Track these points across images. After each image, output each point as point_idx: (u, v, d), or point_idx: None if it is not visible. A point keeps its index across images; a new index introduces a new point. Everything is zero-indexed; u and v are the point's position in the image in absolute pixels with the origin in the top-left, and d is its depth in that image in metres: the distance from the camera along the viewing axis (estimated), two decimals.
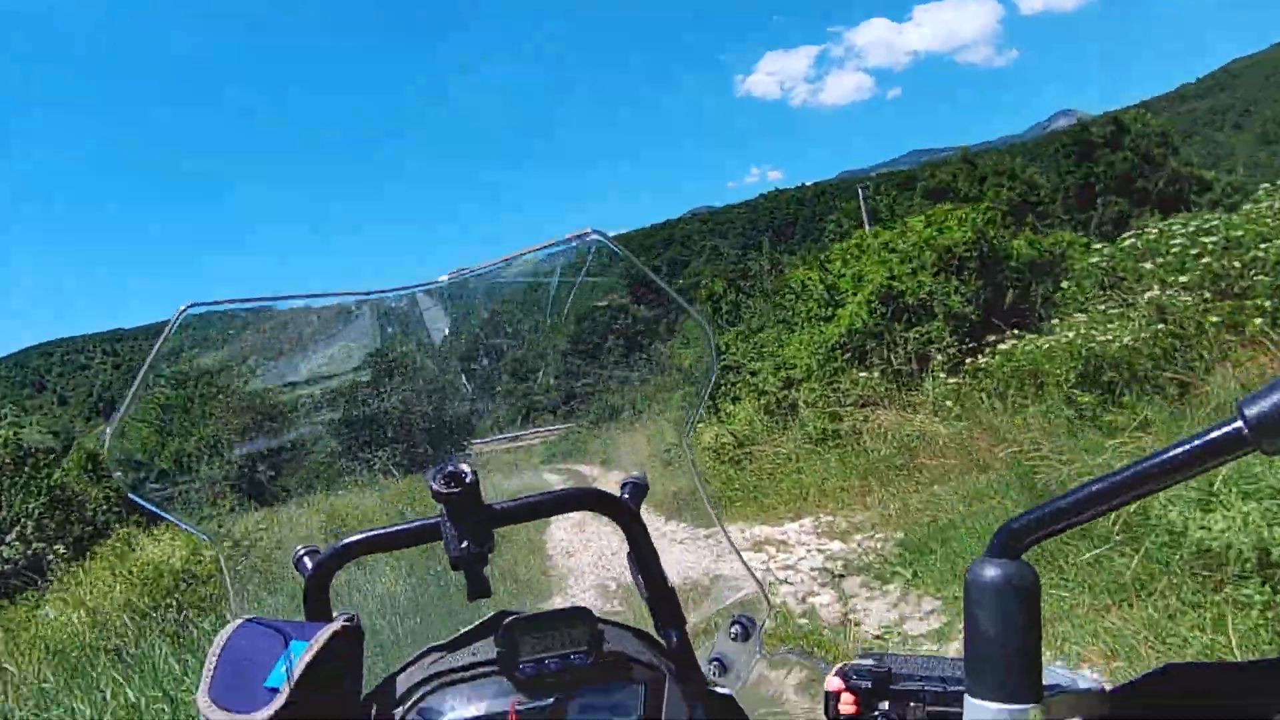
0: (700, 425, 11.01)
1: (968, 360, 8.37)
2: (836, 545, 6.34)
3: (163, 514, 0.95)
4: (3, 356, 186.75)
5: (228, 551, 0.91)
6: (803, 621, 4.74)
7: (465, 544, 0.73)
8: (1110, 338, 6.60)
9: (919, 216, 10.96)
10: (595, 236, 0.91)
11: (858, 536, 6.34)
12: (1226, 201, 28.11)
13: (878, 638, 4.33)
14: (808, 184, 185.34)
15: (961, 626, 0.60)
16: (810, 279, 11.85)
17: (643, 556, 0.82)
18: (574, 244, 1.00)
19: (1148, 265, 7.22)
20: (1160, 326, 6.38)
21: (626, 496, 0.85)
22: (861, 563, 5.63)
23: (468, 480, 0.72)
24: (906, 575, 5.04)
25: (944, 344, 8.89)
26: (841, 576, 5.46)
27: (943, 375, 8.54)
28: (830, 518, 7.21)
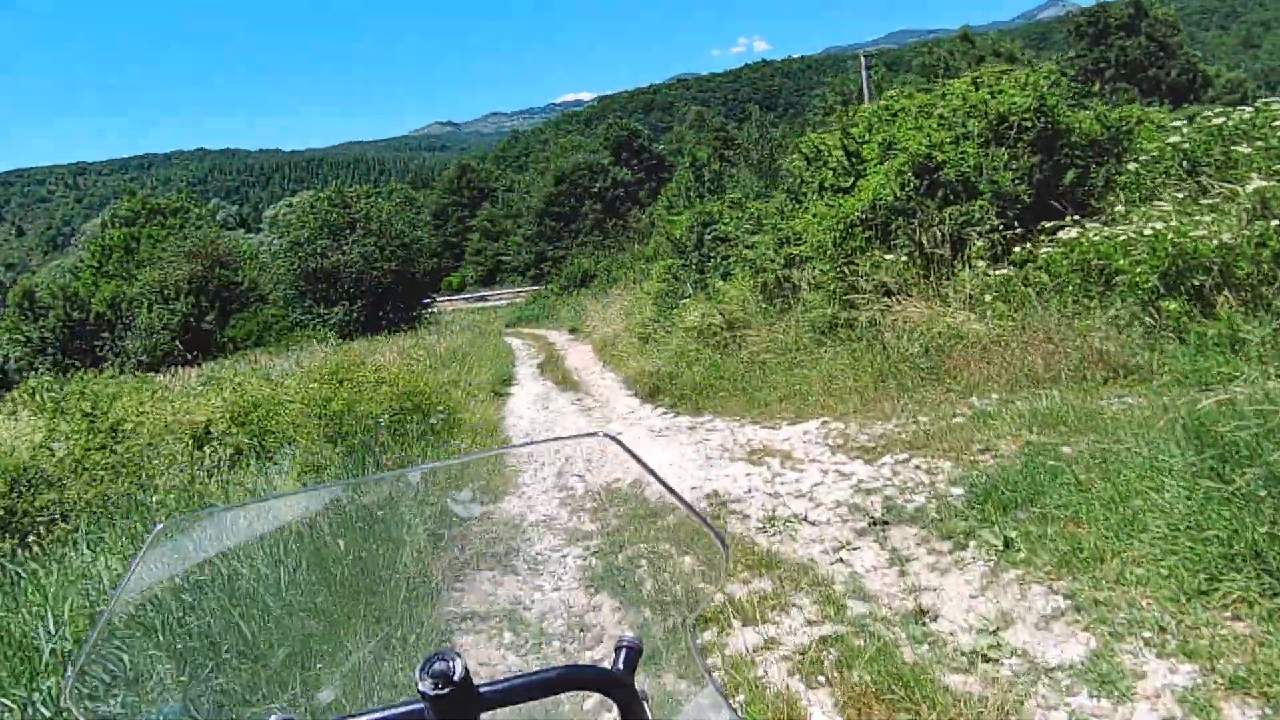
0: (685, 301, 11.91)
1: (1015, 249, 7.14)
2: (861, 468, 4.90)
3: None
4: None
5: None
6: (854, 606, 3.21)
7: None
8: (1206, 234, 5.51)
9: (963, 79, 9.21)
10: (607, 437, 0.94)
11: (886, 459, 4.90)
12: (1227, 98, 29.00)
13: (973, 659, 2.73)
14: (794, 56, 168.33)
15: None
16: (827, 144, 10.20)
17: None
18: (586, 442, 1.04)
19: (1243, 149, 6.16)
20: (1269, 224, 5.27)
21: (621, 666, 0.80)
22: (910, 505, 4.11)
23: (456, 678, 0.69)
24: (994, 542, 3.42)
25: (987, 227, 7.36)
26: (885, 524, 3.94)
27: (982, 264, 7.12)
28: (841, 425, 5.93)
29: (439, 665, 0.72)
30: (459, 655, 0.72)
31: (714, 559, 0.93)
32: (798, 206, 10.40)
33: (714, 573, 0.96)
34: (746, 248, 10.75)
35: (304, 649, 2.31)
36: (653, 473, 0.94)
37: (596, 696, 0.81)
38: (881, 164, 8.51)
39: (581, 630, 3.29)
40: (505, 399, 11.63)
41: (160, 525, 0.91)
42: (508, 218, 56.40)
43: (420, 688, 0.71)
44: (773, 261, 9.77)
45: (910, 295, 7.39)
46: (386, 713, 0.75)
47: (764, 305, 9.63)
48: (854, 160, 9.37)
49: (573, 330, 22.58)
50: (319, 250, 27.27)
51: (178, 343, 26.33)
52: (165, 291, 27.21)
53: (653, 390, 10.19)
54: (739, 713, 1.18)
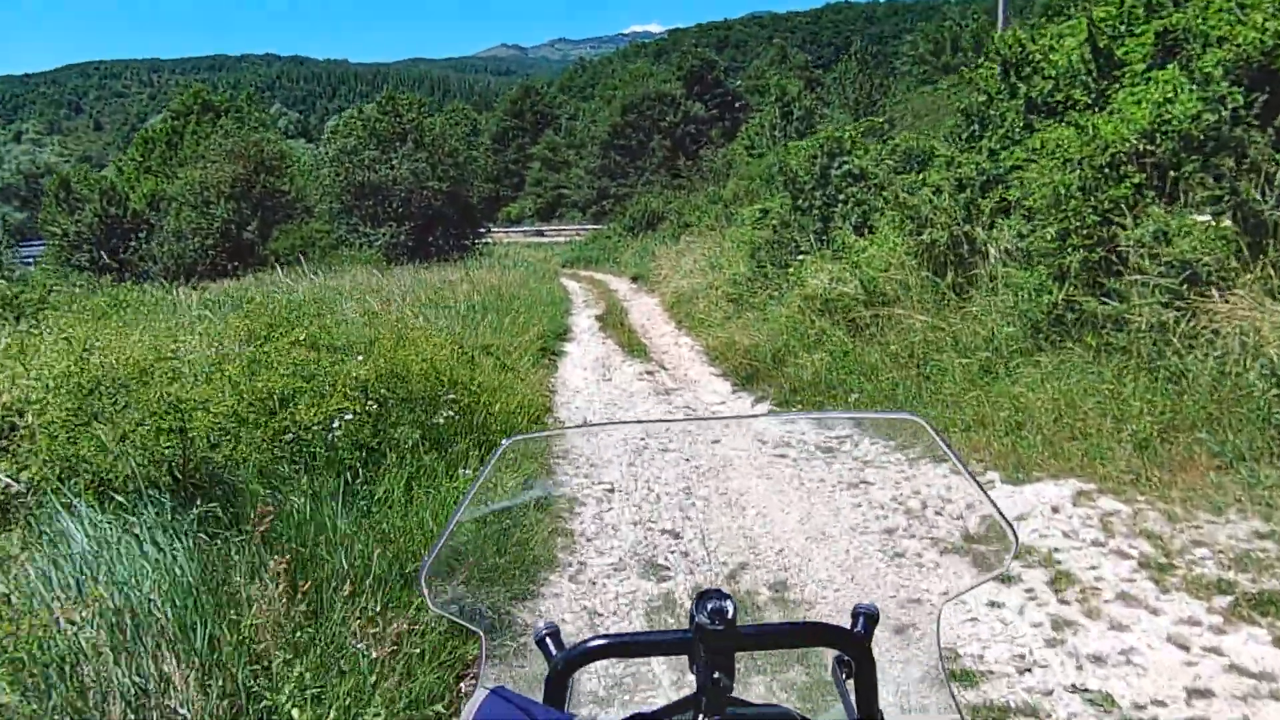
0: (804, 258, 9.11)
1: None
2: (1231, 639, 2.65)
3: (464, 623, 1.12)
4: (41, 73, 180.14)
5: (489, 636, 1.02)
6: None
7: (717, 675, 0.76)
8: None
9: None
10: (919, 421, 0.97)
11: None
12: None
13: None
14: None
15: None
16: (1045, 44, 7.20)
17: (862, 693, 0.84)
18: (893, 419, 1.55)
19: None
20: None
21: (860, 629, 0.86)
22: None
23: (729, 616, 0.75)
24: None
25: None
26: None
27: None
28: (1121, 505, 3.63)
29: (715, 603, 0.77)
30: (731, 597, 0.78)
31: (1003, 546, 0.93)
32: (982, 138, 7.64)
33: (1000, 559, 1.14)
34: (906, 192, 7.90)
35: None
36: (956, 456, 0.97)
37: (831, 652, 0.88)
38: (1162, 68, 5.66)
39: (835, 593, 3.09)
40: (557, 361, 9.59)
41: (507, 441, 1.00)
42: (570, 148, 53.54)
43: (697, 619, 0.77)
44: (946, 213, 7.01)
45: (1232, 286, 4.56)
46: (661, 637, 0.85)
47: (927, 276, 7.00)
48: (1105, 65, 6.37)
49: (636, 278, 20.36)
50: (366, 162, 25.18)
51: (213, 251, 24.70)
52: (205, 194, 25.50)
53: (749, 375, 7.92)
54: (956, 698, 0.96)
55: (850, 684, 0.86)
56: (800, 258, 9.29)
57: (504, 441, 1.01)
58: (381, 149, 25.90)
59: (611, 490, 4.04)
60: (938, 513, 3.24)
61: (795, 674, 1.69)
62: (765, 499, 3.96)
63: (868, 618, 0.88)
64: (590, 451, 4.09)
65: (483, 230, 29.21)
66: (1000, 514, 0.93)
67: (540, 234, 44.03)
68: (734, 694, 0.80)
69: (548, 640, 0.92)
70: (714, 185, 24.03)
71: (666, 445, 4.49)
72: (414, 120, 26.43)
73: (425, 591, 0.98)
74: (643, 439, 4.37)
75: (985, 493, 0.94)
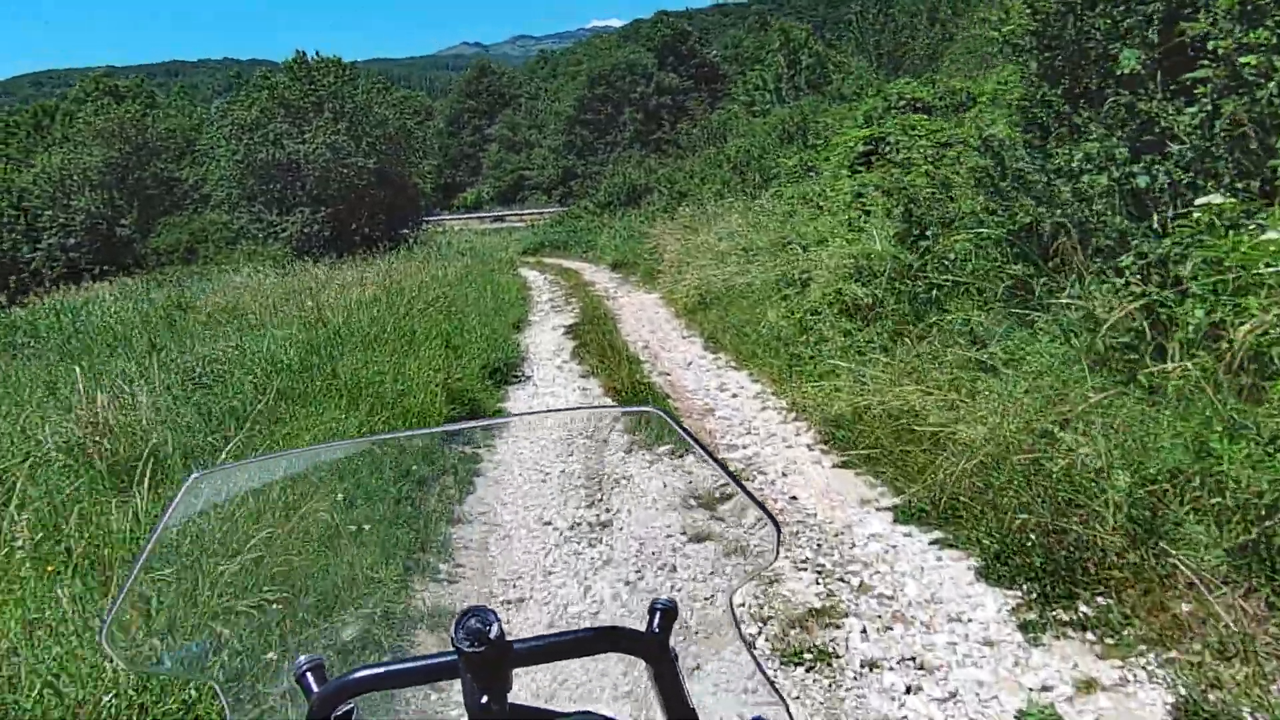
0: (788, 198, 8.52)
1: None
2: None
3: (189, 676, 0.94)
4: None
5: (226, 686, 0.89)
6: None
7: (486, 700, 0.69)
8: None
9: None
10: (657, 413, 0.94)
11: None
12: None
13: None
14: None
15: None
16: None
17: (668, 694, 0.77)
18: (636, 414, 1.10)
19: None
20: None
21: (656, 628, 0.78)
22: None
23: (493, 636, 0.68)
24: None
25: None
26: None
27: None
28: None
29: (474, 622, 0.71)
30: (494, 612, 0.71)
31: (765, 537, 0.92)
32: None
33: (765, 550, 0.95)
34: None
35: (334, 595, 2.44)
36: (704, 448, 0.94)
37: (628, 657, 0.79)
38: None
39: (615, 597, 2.96)
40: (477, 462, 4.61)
41: (196, 474, 0.90)
42: (532, 127, 48.26)
43: (456, 643, 0.70)
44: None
45: None
46: (420, 663, 0.76)
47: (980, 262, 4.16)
48: None
49: (618, 265, 15.58)
50: (272, 137, 19.88)
51: (74, 253, 19.28)
52: (67, 184, 20.00)
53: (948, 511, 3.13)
54: (773, 682, 1.06)
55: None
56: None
57: (191, 475, 0.89)
58: (293, 121, 20.63)
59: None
60: (701, 503, 3.15)
61: (617, 674, 1.52)
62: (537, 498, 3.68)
63: (664, 613, 0.81)
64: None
65: (421, 217, 23.96)
66: (756, 502, 0.88)
67: (500, 220, 38.90)
68: (540, 705, 0.75)
69: (308, 676, 0.81)
70: (712, 149, 19.07)
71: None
72: (332, 86, 21.15)
73: (110, 650, 0.87)
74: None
75: (739, 482, 0.90)
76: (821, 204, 6.82)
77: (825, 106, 16.75)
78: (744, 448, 4.35)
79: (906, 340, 4.12)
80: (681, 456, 3.13)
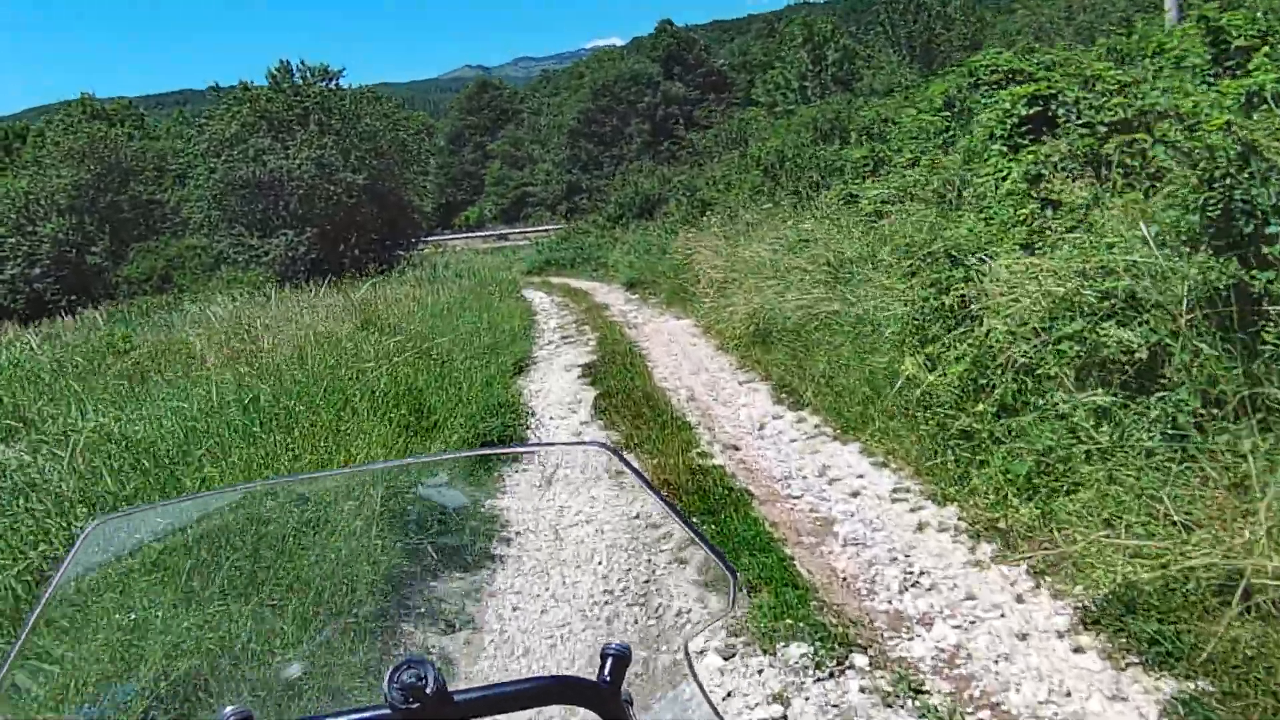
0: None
1: None
2: None
3: None
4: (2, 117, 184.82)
5: None
6: None
7: None
8: None
9: None
10: (600, 449, 0.89)
11: None
12: None
13: None
14: None
15: None
16: None
17: None
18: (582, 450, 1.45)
19: None
20: None
21: (608, 676, 0.73)
22: None
23: (429, 690, 0.63)
24: None
25: None
26: None
27: None
28: None
29: (409, 675, 0.65)
30: (432, 663, 0.66)
31: (722, 584, 0.87)
32: None
33: (722, 597, 0.96)
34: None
35: (258, 644, 2.26)
36: (656, 492, 0.91)
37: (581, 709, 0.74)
38: None
39: (564, 640, 2.72)
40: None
41: (94, 523, 0.84)
42: (534, 142, 46.63)
43: (389, 698, 0.64)
44: None
45: None
46: (351, 718, 0.68)
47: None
48: None
49: (634, 285, 13.80)
50: (252, 152, 18.16)
51: (40, 284, 17.60)
52: (32, 209, 18.33)
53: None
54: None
55: None
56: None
57: (89, 525, 0.84)
58: (275, 135, 18.93)
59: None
60: (654, 547, 2.86)
61: None
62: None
63: (617, 659, 0.76)
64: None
65: (418, 237, 22.17)
66: (713, 550, 0.84)
67: (503, 238, 37.19)
68: None
69: None
70: (735, 152, 17.25)
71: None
72: (318, 97, 19.46)
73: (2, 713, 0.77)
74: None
75: (694, 528, 0.86)
76: (957, 197, 4.84)
77: (862, 101, 15.02)
78: (944, 649, 2.36)
79: (1234, 431, 2.18)
80: (632, 497, 2.84)
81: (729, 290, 7.15)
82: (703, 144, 20.38)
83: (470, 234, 41.03)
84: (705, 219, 13.19)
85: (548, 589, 3.06)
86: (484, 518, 3.55)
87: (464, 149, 51.47)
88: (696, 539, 0.85)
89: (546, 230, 34.14)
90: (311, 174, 18.32)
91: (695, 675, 0.90)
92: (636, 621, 2.53)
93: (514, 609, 2.89)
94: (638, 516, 3.22)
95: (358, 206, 18.99)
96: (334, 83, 19.74)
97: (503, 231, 39.15)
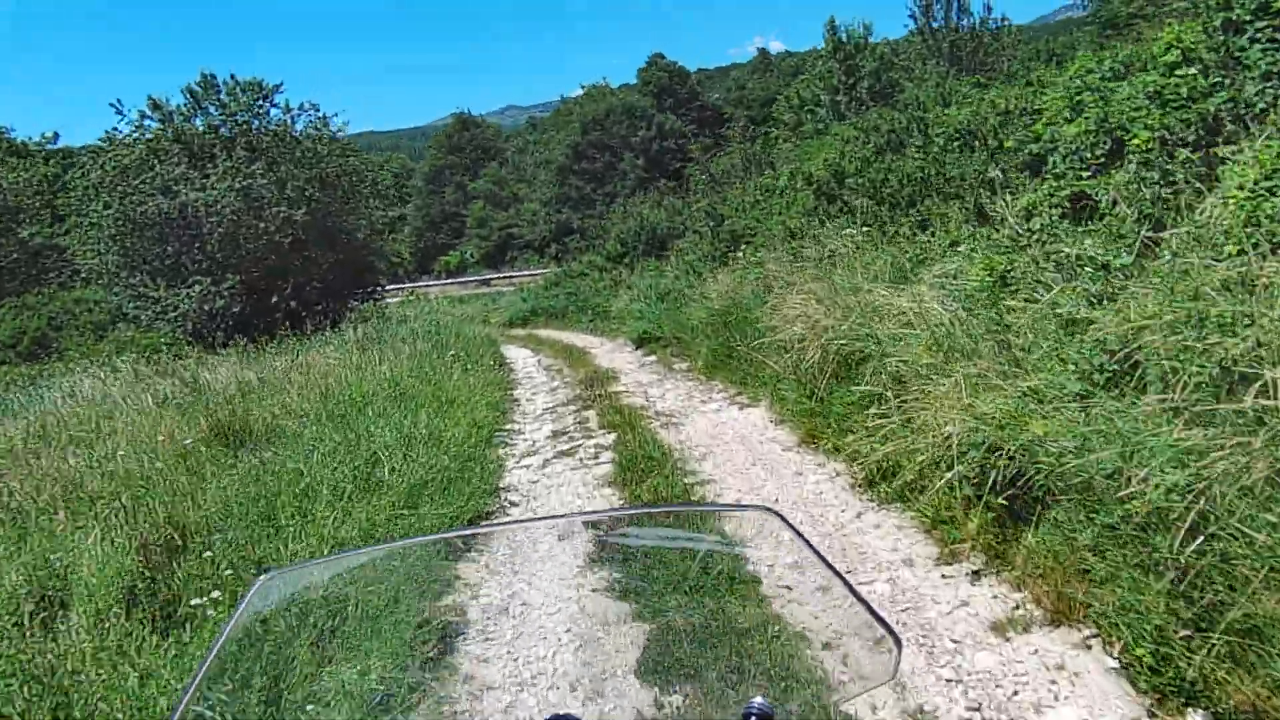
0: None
1: None
2: None
3: None
4: None
5: None
6: None
7: None
8: None
9: None
10: (765, 512, 0.88)
11: None
12: None
13: None
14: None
15: None
16: None
17: None
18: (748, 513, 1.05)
19: None
20: None
21: None
22: None
23: None
24: None
25: None
26: None
27: None
28: None
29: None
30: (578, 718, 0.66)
31: (882, 652, 0.87)
32: None
33: (881, 665, 0.89)
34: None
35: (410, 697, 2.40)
36: (819, 554, 0.90)
37: None
38: None
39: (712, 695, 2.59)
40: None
41: (262, 577, 0.88)
42: (520, 181, 43.46)
43: None
44: None
45: None
46: None
47: None
48: None
49: (646, 342, 10.35)
50: (161, 182, 14.55)
51: None
52: None
53: None
54: None
55: None
56: None
57: (259, 579, 0.87)
58: (193, 162, 15.32)
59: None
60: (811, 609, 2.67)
61: None
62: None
63: (759, 718, 0.78)
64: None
65: (376, 284, 18.52)
66: (878, 618, 0.84)
67: (486, 283, 33.61)
68: None
69: None
70: (762, 176, 13.75)
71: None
72: (244, 116, 15.95)
73: None
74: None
75: (854, 590, 0.86)
76: None
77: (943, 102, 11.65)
78: None
79: None
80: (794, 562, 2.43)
81: (880, 366, 3.48)
82: (717, 168, 16.86)
83: (449, 280, 37.49)
84: (739, 255, 9.58)
85: (689, 643, 2.82)
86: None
87: (445, 189, 48.20)
88: (859, 602, 0.85)
89: (533, 275, 30.59)
90: (235, 208, 14.61)
91: None
92: (782, 680, 2.36)
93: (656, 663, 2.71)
94: (797, 581, 2.89)
95: (297, 248, 15.27)
96: (268, 101, 16.19)
97: (486, 276, 35.64)
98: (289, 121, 16.02)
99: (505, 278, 34.03)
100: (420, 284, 38.26)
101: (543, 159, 40.12)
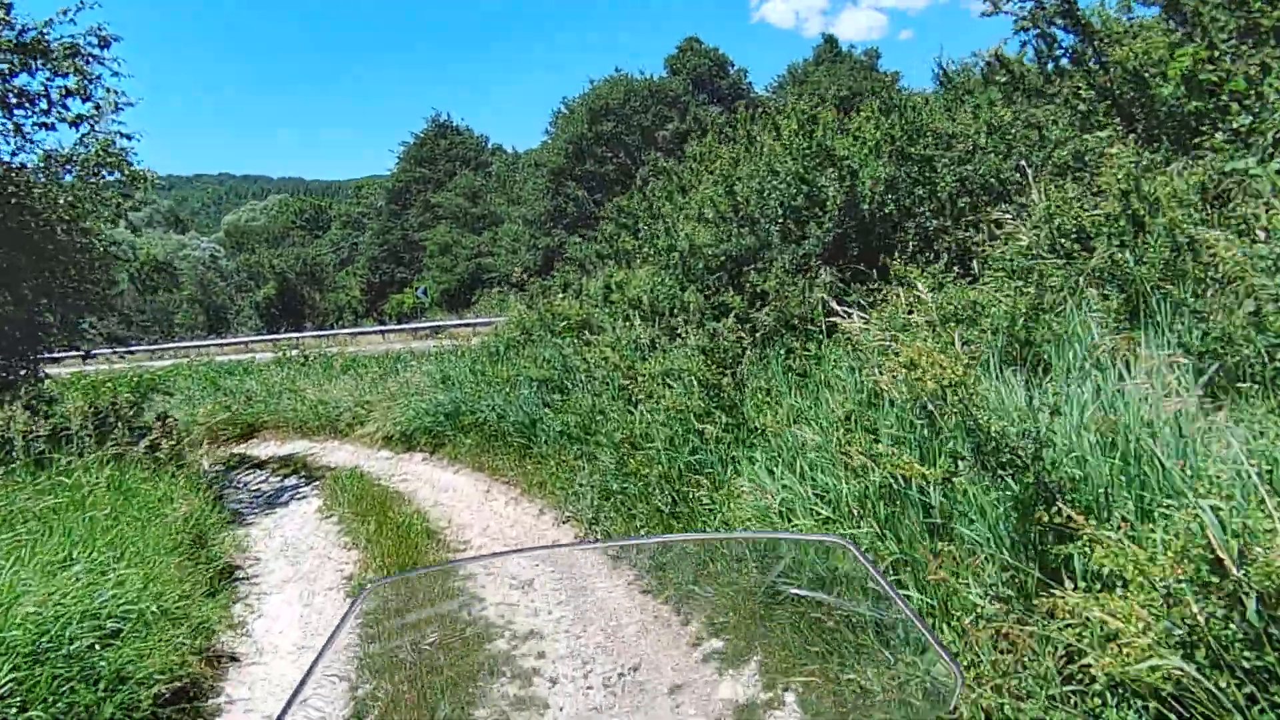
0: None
1: None
2: None
3: None
4: None
5: None
6: None
7: None
8: None
9: None
10: (845, 544, 0.90)
11: None
12: None
13: None
14: None
15: None
16: None
17: None
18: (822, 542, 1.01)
19: None
20: None
21: None
22: None
23: None
24: None
25: None
26: None
27: None
28: None
29: None
30: None
31: (944, 682, 0.88)
32: None
33: (943, 696, 0.89)
34: None
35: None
36: (888, 584, 0.91)
37: None
38: None
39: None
40: None
41: (367, 588, 0.94)
42: (502, 194, 32.51)
43: None
44: None
45: None
46: None
47: None
48: None
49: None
50: None
51: None
52: None
53: None
54: None
55: None
56: None
57: (365, 588, 0.90)
58: None
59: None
60: (877, 640, 2.75)
61: None
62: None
63: None
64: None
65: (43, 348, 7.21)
66: (938, 643, 0.85)
67: (437, 331, 22.70)
68: None
69: None
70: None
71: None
72: None
73: None
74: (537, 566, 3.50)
75: (921, 621, 0.87)
76: None
77: None
78: None
79: None
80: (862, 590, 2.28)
81: None
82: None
83: (399, 327, 26.40)
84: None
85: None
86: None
87: (407, 212, 37.34)
88: (925, 634, 0.87)
89: (502, 321, 19.52)
90: None
91: None
92: (842, 708, 2.46)
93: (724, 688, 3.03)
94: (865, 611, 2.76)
95: None
96: None
97: (438, 324, 24.51)
98: None
99: (469, 324, 22.82)
100: (359, 330, 27.27)
101: (532, 160, 29.21)
